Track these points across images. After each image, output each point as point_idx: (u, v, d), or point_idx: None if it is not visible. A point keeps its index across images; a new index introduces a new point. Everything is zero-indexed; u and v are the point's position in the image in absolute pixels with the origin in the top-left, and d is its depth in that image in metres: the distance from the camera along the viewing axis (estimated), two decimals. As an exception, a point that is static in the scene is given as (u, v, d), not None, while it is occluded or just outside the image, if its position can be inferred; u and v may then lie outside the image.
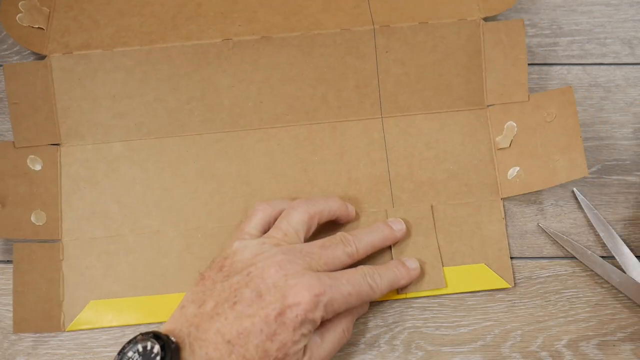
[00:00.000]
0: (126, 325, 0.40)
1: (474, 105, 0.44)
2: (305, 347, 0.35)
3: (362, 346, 0.40)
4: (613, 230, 0.42)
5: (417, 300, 0.41)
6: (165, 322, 0.40)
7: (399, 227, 0.41)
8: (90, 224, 0.41)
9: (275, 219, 0.39)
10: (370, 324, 0.40)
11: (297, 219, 0.38)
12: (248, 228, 0.38)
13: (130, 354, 0.32)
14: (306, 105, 0.43)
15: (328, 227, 0.41)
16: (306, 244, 0.37)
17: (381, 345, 0.40)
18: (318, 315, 0.34)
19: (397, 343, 0.40)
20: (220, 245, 0.41)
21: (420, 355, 0.40)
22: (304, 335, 0.34)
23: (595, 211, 0.42)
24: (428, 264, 0.41)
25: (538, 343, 0.40)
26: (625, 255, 0.41)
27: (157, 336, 0.32)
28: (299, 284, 0.34)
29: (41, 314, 0.39)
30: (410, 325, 0.40)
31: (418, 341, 0.40)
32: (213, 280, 0.35)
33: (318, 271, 0.36)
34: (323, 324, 0.36)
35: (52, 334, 0.40)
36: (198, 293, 0.35)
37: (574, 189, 0.43)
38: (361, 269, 0.37)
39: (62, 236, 0.41)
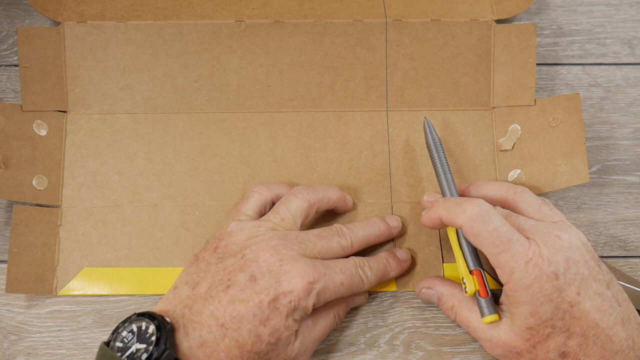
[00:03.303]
0: (117, 295, 0.40)
1: (479, 105, 0.44)
2: (297, 330, 0.35)
3: (362, 346, 0.40)
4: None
5: (417, 300, 0.41)
6: (157, 298, 0.40)
7: (395, 225, 0.40)
8: (90, 192, 0.42)
9: (272, 203, 0.39)
10: (370, 324, 0.40)
11: (296, 205, 0.38)
12: (244, 209, 0.38)
13: (124, 333, 0.32)
14: (313, 92, 0.43)
15: (324, 215, 0.42)
16: (302, 231, 0.37)
17: (381, 345, 0.40)
18: (310, 302, 0.34)
19: (397, 343, 0.40)
20: (216, 224, 0.41)
21: (420, 355, 0.39)
22: (295, 321, 0.34)
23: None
24: (428, 262, 0.41)
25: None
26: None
27: (151, 316, 0.32)
28: (293, 270, 0.34)
29: (34, 276, 0.40)
30: (410, 325, 0.40)
31: (418, 341, 0.40)
32: (207, 262, 0.35)
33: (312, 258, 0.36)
34: (315, 309, 0.36)
35: (53, 334, 0.40)
36: (192, 274, 0.35)
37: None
38: (353, 259, 0.37)
39: (61, 202, 0.41)
